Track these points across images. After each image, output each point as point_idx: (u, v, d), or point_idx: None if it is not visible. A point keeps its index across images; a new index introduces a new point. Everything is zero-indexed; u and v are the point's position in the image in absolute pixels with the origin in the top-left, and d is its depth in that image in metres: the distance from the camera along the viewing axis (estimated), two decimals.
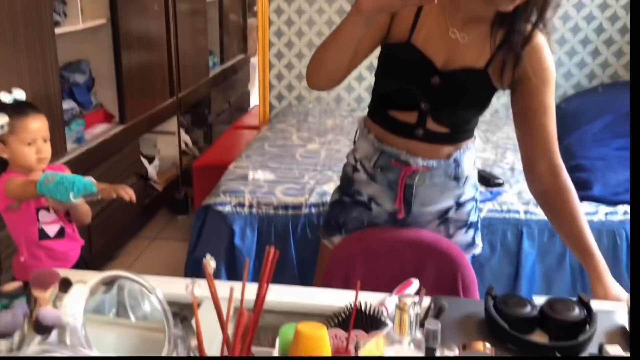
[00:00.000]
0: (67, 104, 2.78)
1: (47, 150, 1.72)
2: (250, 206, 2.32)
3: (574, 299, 1.03)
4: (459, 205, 1.48)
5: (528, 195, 2.24)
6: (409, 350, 0.82)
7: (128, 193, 1.60)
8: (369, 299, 1.11)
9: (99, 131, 3.04)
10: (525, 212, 2.25)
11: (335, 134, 3.24)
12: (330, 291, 1.23)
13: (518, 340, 0.95)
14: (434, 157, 1.41)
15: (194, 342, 0.81)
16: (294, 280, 2.22)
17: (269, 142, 3.10)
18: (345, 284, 1.38)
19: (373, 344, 0.83)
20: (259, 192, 2.39)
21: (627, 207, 2.25)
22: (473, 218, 1.52)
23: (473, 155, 1.48)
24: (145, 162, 3.61)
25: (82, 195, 1.58)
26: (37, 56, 2.39)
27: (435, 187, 1.43)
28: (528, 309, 1.00)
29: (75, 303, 0.82)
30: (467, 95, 1.37)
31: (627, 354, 0.89)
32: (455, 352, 0.83)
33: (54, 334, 0.88)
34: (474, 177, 1.51)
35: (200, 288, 0.82)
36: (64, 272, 1.05)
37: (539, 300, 1.05)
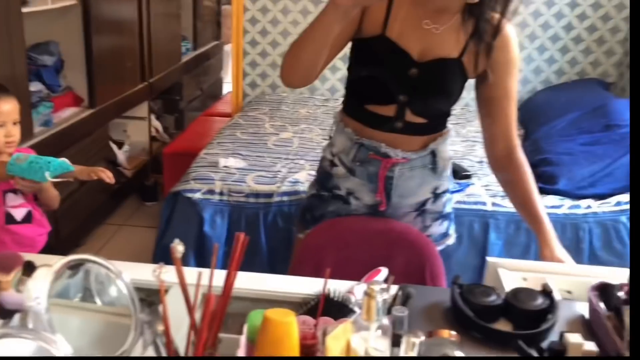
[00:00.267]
0: (35, 86, 2.71)
1: (16, 133, 1.69)
2: (221, 193, 2.30)
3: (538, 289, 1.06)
4: (436, 196, 1.50)
5: (495, 187, 2.29)
6: (376, 337, 0.83)
7: (107, 175, 1.58)
8: (338, 286, 1.12)
9: (68, 115, 2.98)
10: (493, 204, 2.29)
11: (308, 123, 3.24)
12: (300, 279, 1.23)
13: (483, 328, 0.97)
14: (412, 149, 1.42)
15: (160, 328, 0.81)
16: (264, 269, 2.20)
17: (241, 130, 3.08)
18: (316, 273, 1.37)
19: (340, 330, 0.83)
20: (230, 179, 2.38)
21: (589, 201, 2.31)
22: (448, 209, 1.55)
23: (448, 147, 1.50)
24: (114, 147, 3.56)
25: (58, 175, 1.55)
26: (2, 35, 2.32)
27: (414, 178, 1.45)
28: (493, 297, 1.02)
29: (39, 287, 0.80)
30: (444, 86, 1.38)
31: (587, 342, 0.92)
32: (422, 339, 0.84)
33: (16, 318, 0.86)
34: (449, 169, 1.53)
35: (168, 274, 0.81)
36: (29, 256, 1.03)
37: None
